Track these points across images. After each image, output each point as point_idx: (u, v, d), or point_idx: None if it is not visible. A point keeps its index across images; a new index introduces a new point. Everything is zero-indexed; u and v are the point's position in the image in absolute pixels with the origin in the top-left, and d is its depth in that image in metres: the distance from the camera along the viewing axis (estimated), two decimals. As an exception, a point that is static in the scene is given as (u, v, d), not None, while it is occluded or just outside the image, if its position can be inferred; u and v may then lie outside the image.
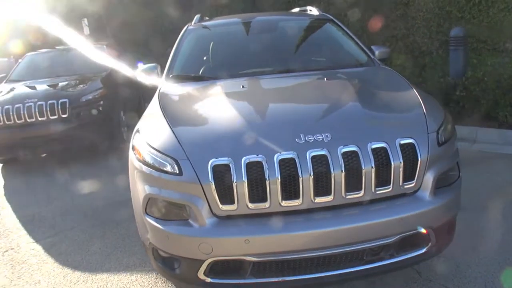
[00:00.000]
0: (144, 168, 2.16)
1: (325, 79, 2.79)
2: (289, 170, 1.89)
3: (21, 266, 3.06)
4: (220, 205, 1.93)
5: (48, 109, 5.35)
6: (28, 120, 5.33)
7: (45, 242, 3.42)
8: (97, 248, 3.23)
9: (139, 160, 2.22)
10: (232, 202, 1.92)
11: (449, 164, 2.18)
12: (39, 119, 5.35)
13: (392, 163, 1.95)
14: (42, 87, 5.95)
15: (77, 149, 5.79)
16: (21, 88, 5.91)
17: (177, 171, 1.99)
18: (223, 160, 1.92)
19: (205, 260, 1.96)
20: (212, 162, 1.93)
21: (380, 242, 1.99)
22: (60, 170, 5.41)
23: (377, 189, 1.96)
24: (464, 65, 5.54)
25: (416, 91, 2.51)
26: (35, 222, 3.84)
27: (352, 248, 1.96)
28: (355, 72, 3.00)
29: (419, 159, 2.00)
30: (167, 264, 2.15)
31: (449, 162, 2.18)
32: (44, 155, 6.15)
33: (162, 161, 2.07)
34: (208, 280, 2.03)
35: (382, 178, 1.96)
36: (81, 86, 5.98)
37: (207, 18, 4.44)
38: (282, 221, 1.92)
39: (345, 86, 2.64)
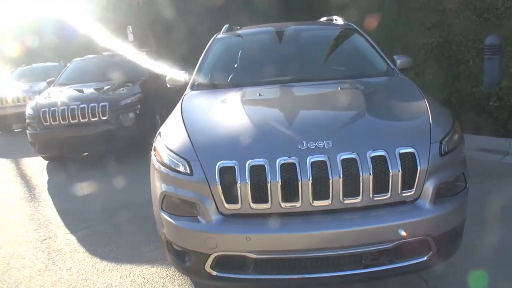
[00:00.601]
0: (162, 168, 2.36)
1: (339, 88, 2.88)
2: (289, 174, 2.02)
3: (56, 253, 3.36)
4: (226, 204, 2.08)
5: (89, 111, 5.76)
6: (72, 121, 5.76)
7: (79, 233, 3.72)
8: (124, 242, 3.47)
9: (158, 161, 2.42)
10: (236, 202, 2.07)
11: (453, 174, 2.21)
12: (82, 120, 5.78)
13: (390, 171, 2.02)
14: (85, 90, 6.42)
15: (115, 149, 6.16)
16: (66, 92, 6.38)
17: (189, 172, 2.17)
18: (229, 163, 2.08)
19: (211, 254, 2.12)
20: (219, 164, 2.09)
21: (377, 247, 2.06)
22: (99, 169, 5.81)
23: (375, 195, 2.04)
24: (499, 74, 5.40)
25: (427, 100, 2.56)
26: (72, 215, 4.17)
27: (349, 251, 2.05)
28: (370, 82, 3.07)
29: (419, 168, 2.05)
30: (179, 257, 2.32)
31: (452, 172, 2.21)
32: (86, 154, 6.59)
33: (177, 162, 2.26)
34: (214, 273, 2.18)
35: (381, 185, 2.04)
36: (120, 90, 6.38)
37: (238, 27, 4.62)
38: (282, 221, 2.04)
39: (356, 95, 2.73)
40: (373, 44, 3.69)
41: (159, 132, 2.66)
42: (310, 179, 1.99)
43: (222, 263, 2.16)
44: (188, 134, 2.39)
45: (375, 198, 2.05)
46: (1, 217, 4.30)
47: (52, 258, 3.29)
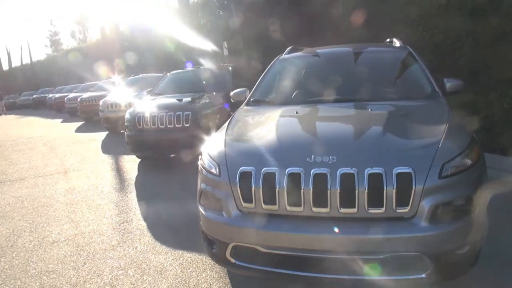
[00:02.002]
0: (204, 170, 2.87)
1: (370, 109, 3.10)
2: (294, 183, 2.35)
3: (128, 234, 4.09)
4: (243, 203, 2.49)
5: (175, 119, 6.60)
6: (160, 127, 6.65)
7: (150, 221, 4.43)
8: (183, 232, 4.06)
9: (201, 164, 2.93)
10: (251, 202, 2.46)
11: (453, 197, 2.29)
12: (168, 126, 6.62)
13: (385, 188, 2.23)
14: (174, 100, 7.33)
15: (196, 154, 6.90)
16: (159, 101, 7.37)
17: (218, 173, 2.64)
18: (248, 169, 2.49)
19: (229, 244, 2.54)
20: (240, 169, 2.51)
21: (369, 257, 2.27)
22: (180, 170, 6.61)
23: (370, 208, 2.26)
24: None
25: (449, 125, 2.67)
26: (148, 206, 4.94)
27: (344, 257, 2.29)
28: (406, 104, 3.21)
29: (413, 187, 2.23)
30: (209, 245, 2.78)
31: (453, 194, 2.29)
32: (173, 155, 7.49)
33: (211, 165, 2.74)
34: (233, 261, 2.60)
35: (376, 200, 2.25)
36: (204, 101, 7.16)
37: (309, 49, 4.96)
38: (286, 222, 2.39)
39: (380, 116, 2.93)
40: (422, 66, 3.78)
41: (207, 140, 3.18)
42: (311, 188, 2.31)
43: (239, 253, 2.57)
44: (224, 143, 2.86)
45: (370, 211, 2.27)
46: (95, 202, 5.25)
47: (124, 238, 4.01)
